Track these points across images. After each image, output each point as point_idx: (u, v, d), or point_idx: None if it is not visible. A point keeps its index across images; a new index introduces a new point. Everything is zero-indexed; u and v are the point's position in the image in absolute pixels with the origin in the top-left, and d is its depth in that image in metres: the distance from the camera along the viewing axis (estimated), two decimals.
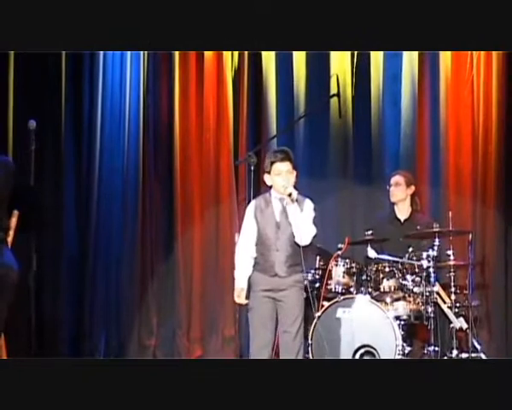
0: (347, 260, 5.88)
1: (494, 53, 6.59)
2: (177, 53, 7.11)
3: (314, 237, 4.65)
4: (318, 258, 5.98)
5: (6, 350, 4.91)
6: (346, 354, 5.47)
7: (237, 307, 5.04)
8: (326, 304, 5.63)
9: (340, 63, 6.94)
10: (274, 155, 4.69)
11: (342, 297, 5.66)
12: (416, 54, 6.81)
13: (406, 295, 5.77)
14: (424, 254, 5.68)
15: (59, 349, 6.74)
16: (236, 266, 4.74)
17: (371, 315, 5.54)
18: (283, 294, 4.59)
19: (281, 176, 4.60)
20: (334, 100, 6.63)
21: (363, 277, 5.86)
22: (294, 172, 4.66)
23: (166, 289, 7.06)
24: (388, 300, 5.75)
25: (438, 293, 5.76)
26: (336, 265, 5.85)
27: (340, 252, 5.82)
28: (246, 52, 7.07)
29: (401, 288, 5.78)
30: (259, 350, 4.58)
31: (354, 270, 5.88)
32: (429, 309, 5.65)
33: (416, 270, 5.76)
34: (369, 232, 5.86)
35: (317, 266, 5.97)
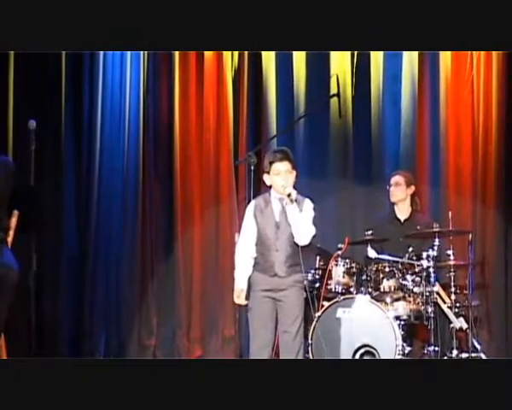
0: (347, 260, 5.88)
1: (494, 53, 6.59)
2: (177, 53, 7.11)
3: (313, 237, 4.64)
4: (318, 258, 5.98)
5: (6, 350, 4.91)
6: (346, 354, 5.47)
7: (237, 307, 5.04)
8: (326, 304, 5.63)
9: (340, 63, 6.94)
10: (273, 154, 4.69)
11: (342, 297, 5.66)
12: (416, 54, 6.81)
13: (406, 295, 5.77)
14: (424, 254, 5.69)
15: (59, 349, 6.74)
16: (236, 266, 4.73)
17: (371, 315, 5.54)
18: (283, 294, 4.59)
19: (280, 176, 4.59)
20: (334, 100, 6.63)
21: (363, 277, 5.86)
22: (294, 172, 4.66)
23: (166, 289, 7.06)
24: (388, 300, 5.75)
25: (438, 293, 5.76)
26: (336, 265, 5.85)
27: (340, 252, 5.83)
28: (246, 52, 7.07)
29: (401, 288, 5.78)
30: (259, 350, 4.58)
31: (354, 270, 5.89)
32: (429, 309, 5.65)
33: (416, 270, 5.76)
34: (369, 232, 5.86)
35: (317, 266, 5.97)
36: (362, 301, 5.62)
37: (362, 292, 5.77)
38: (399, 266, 5.79)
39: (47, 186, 6.80)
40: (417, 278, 5.74)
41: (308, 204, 4.67)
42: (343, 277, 5.86)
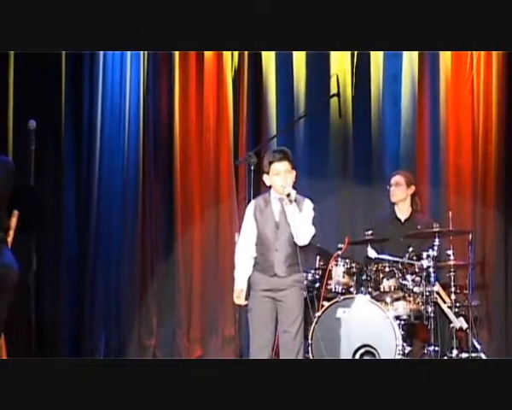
0: (347, 260, 5.88)
1: (494, 53, 6.59)
2: (177, 53, 7.11)
3: (313, 237, 4.64)
4: (318, 258, 5.99)
5: (6, 350, 4.91)
6: (345, 354, 5.47)
7: (237, 307, 5.04)
8: (326, 304, 5.63)
9: (340, 63, 6.94)
10: (272, 154, 4.68)
11: (342, 297, 5.66)
12: (415, 54, 6.81)
13: (406, 294, 5.77)
14: (424, 254, 5.69)
15: (59, 349, 6.74)
16: (236, 266, 4.73)
17: (371, 315, 5.54)
18: (283, 294, 4.59)
19: (279, 176, 4.59)
20: (334, 100, 6.63)
21: (363, 277, 5.86)
22: (293, 172, 4.65)
23: (166, 289, 7.06)
24: (388, 300, 5.75)
25: (438, 293, 5.77)
26: (336, 265, 5.85)
27: (340, 252, 5.83)
28: (246, 52, 7.07)
29: (401, 288, 5.78)
30: (259, 350, 4.58)
31: (354, 270, 5.89)
32: (429, 309, 5.65)
33: (416, 270, 5.76)
34: (369, 232, 5.86)
35: (316, 266, 5.97)
36: (362, 301, 5.62)
37: (362, 292, 5.77)
38: (399, 266, 5.79)
39: (47, 186, 6.80)
40: (417, 278, 5.74)
41: (308, 204, 4.67)
42: (343, 277, 5.86)
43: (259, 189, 5.32)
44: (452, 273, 5.77)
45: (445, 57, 6.75)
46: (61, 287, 6.92)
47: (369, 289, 5.80)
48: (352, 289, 5.84)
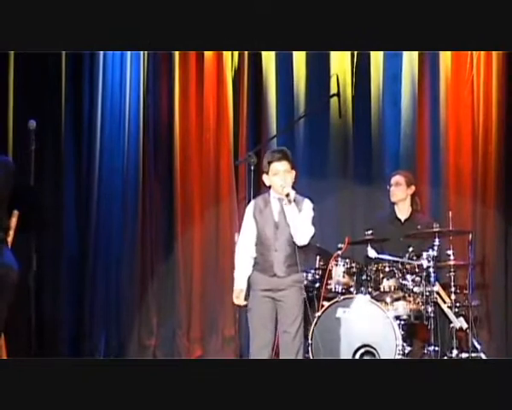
0: (347, 260, 5.88)
1: (494, 53, 6.59)
2: (177, 53, 7.11)
3: (312, 237, 4.64)
4: (318, 258, 5.98)
5: (6, 350, 4.91)
6: (346, 354, 5.47)
7: (237, 307, 5.03)
8: (326, 304, 5.63)
9: (340, 63, 6.94)
10: (271, 154, 4.68)
11: (342, 297, 5.66)
12: (415, 54, 6.81)
13: (406, 294, 5.77)
14: (424, 254, 5.69)
15: (59, 349, 6.74)
16: (236, 266, 4.73)
17: (371, 315, 5.54)
18: (282, 294, 4.59)
19: (278, 176, 4.58)
20: (334, 100, 6.63)
21: (363, 277, 5.87)
22: (293, 172, 4.65)
23: (166, 289, 7.06)
24: (388, 300, 5.75)
25: (438, 293, 5.77)
26: (336, 265, 5.85)
27: (340, 252, 5.83)
28: (246, 52, 7.07)
29: (401, 288, 5.78)
30: (259, 350, 4.57)
31: (354, 270, 5.89)
32: (429, 309, 5.65)
33: (416, 270, 5.76)
34: (369, 232, 5.86)
35: (316, 266, 5.97)
36: (362, 300, 5.62)
37: (362, 292, 5.77)
38: (399, 266, 5.79)
39: (47, 186, 6.80)
40: (417, 278, 5.74)
41: (307, 204, 4.66)
42: (343, 277, 5.86)
43: (259, 189, 5.32)
44: (452, 273, 5.77)
45: (445, 57, 6.76)
46: (61, 287, 6.93)
47: (369, 289, 5.80)
48: (352, 289, 5.84)
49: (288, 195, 4.52)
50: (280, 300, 4.59)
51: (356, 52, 6.90)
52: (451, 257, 5.74)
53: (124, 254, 7.04)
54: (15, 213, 4.55)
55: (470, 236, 5.95)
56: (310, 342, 5.46)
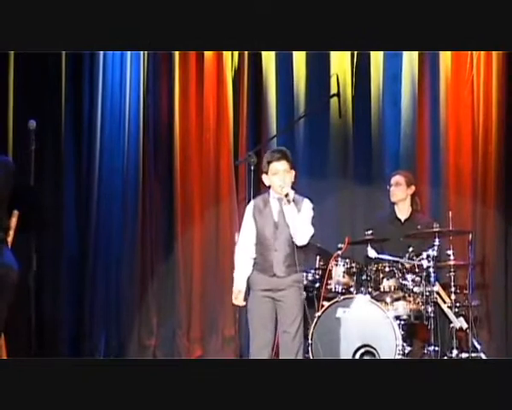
0: (347, 260, 5.88)
1: (494, 53, 6.59)
2: (177, 53, 7.11)
3: (312, 237, 4.63)
4: (318, 258, 5.99)
5: (6, 350, 4.91)
6: (345, 354, 5.47)
7: (237, 307, 5.03)
8: (326, 304, 5.63)
9: (340, 63, 6.94)
10: (271, 154, 4.68)
11: (342, 297, 5.66)
12: (415, 54, 6.81)
13: (406, 294, 5.77)
14: (424, 254, 5.69)
15: (59, 349, 6.73)
16: (236, 266, 4.73)
17: (371, 315, 5.54)
18: (282, 294, 4.59)
19: (278, 175, 4.58)
20: (334, 100, 6.63)
21: (363, 277, 5.87)
22: (292, 172, 4.65)
23: (166, 289, 7.06)
24: (388, 300, 5.75)
25: (438, 293, 5.77)
26: (336, 265, 5.85)
27: (340, 252, 5.83)
28: (246, 52, 7.07)
29: (401, 288, 5.78)
30: (259, 350, 4.57)
31: (354, 270, 5.89)
32: (429, 309, 5.65)
33: (416, 270, 5.76)
34: (369, 232, 5.86)
35: (316, 266, 5.98)
36: (362, 300, 5.62)
37: (362, 292, 5.77)
38: (399, 266, 5.79)
39: (47, 186, 6.80)
40: (417, 278, 5.74)
41: (307, 204, 4.66)
42: (343, 277, 5.86)
43: (259, 189, 5.31)
44: (452, 273, 5.77)
45: (445, 57, 6.75)
46: (61, 287, 6.92)
47: (369, 289, 5.80)
48: (352, 289, 5.84)
49: (287, 195, 4.52)
50: (280, 300, 4.59)
51: (356, 52, 6.90)
52: (451, 257, 5.74)
53: (124, 254, 7.04)
54: (15, 213, 4.56)
55: (470, 236, 5.95)
56: (310, 342, 5.46)
